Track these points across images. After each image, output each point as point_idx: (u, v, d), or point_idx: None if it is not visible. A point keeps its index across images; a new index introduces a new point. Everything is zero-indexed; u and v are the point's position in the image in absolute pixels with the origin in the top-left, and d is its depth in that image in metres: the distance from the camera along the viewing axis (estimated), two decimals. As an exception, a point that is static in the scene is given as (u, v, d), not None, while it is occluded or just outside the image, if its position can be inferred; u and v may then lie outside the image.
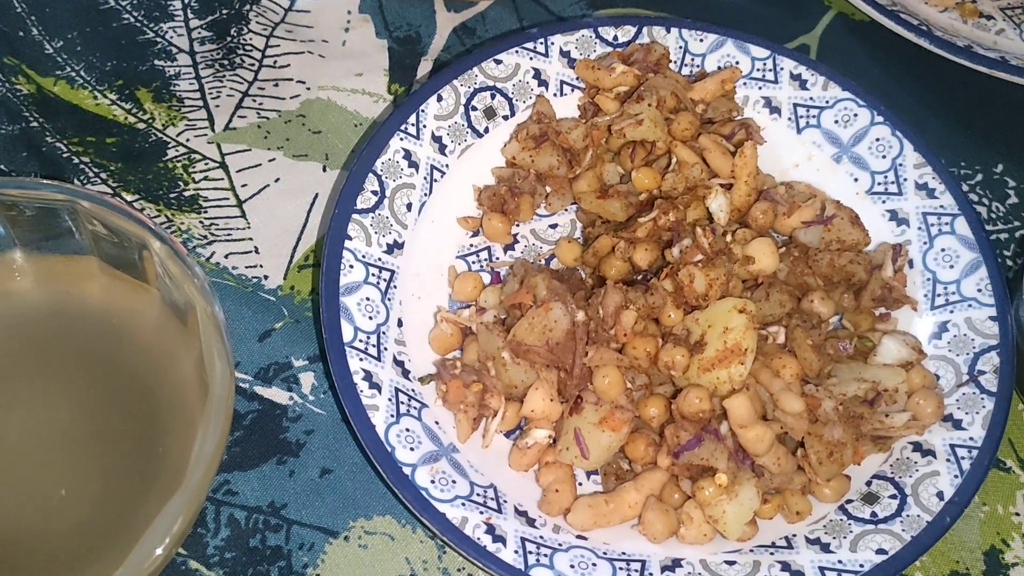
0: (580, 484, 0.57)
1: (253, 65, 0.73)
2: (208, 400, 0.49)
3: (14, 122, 0.68)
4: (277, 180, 0.68)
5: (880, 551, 0.52)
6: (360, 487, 0.58)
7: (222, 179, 0.68)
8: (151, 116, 0.70)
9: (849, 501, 0.56)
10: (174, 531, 0.46)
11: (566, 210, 0.67)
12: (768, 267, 0.59)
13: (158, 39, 0.74)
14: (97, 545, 0.50)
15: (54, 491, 0.53)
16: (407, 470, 0.53)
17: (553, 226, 0.67)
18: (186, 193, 0.67)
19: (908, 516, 0.54)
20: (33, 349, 0.57)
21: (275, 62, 0.73)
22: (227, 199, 0.67)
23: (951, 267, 0.62)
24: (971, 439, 0.56)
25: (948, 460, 0.55)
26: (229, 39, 0.74)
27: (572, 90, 0.69)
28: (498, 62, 0.67)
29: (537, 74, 0.68)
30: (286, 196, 0.68)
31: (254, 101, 0.71)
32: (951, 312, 0.61)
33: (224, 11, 0.75)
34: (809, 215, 0.63)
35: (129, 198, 0.66)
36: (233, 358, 0.50)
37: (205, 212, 0.67)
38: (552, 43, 0.68)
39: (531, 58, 0.68)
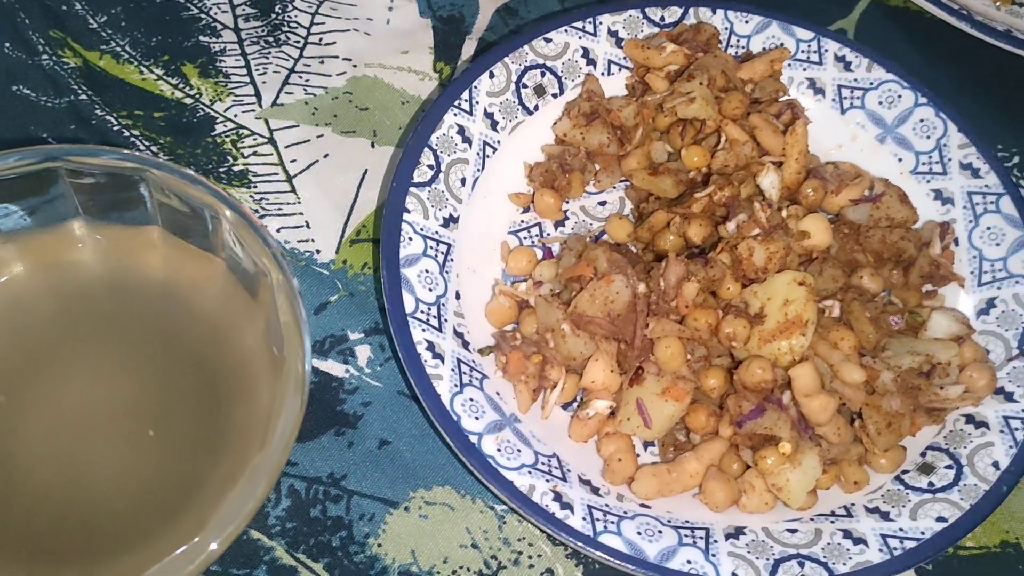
0: (638, 455, 0.58)
1: (298, 42, 0.73)
2: (284, 371, 0.49)
3: (61, 95, 0.68)
4: (326, 156, 0.68)
5: (940, 519, 0.53)
6: (419, 458, 0.58)
7: (271, 154, 0.68)
8: (198, 91, 0.70)
9: (905, 471, 0.57)
10: (257, 495, 0.46)
11: (615, 187, 0.68)
12: (822, 243, 0.60)
13: (202, 15, 0.74)
14: (164, 513, 0.50)
15: (116, 460, 0.53)
16: (474, 439, 0.54)
17: (602, 203, 0.67)
18: (235, 168, 0.67)
19: (965, 485, 0.55)
20: (92, 320, 0.56)
21: (320, 39, 0.73)
22: (276, 174, 0.67)
23: (997, 245, 0.63)
24: (1023, 411, 0.57)
25: (1002, 431, 0.56)
26: (274, 16, 0.74)
27: (619, 69, 0.70)
28: (548, 40, 0.68)
29: (586, 53, 0.69)
30: (336, 171, 0.68)
31: (300, 78, 0.71)
32: (998, 288, 0.62)
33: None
34: (857, 193, 0.64)
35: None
36: (308, 328, 0.50)
37: (255, 187, 0.67)
38: (600, 23, 0.69)
39: (580, 37, 0.68)
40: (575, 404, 0.59)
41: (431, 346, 0.56)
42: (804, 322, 0.55)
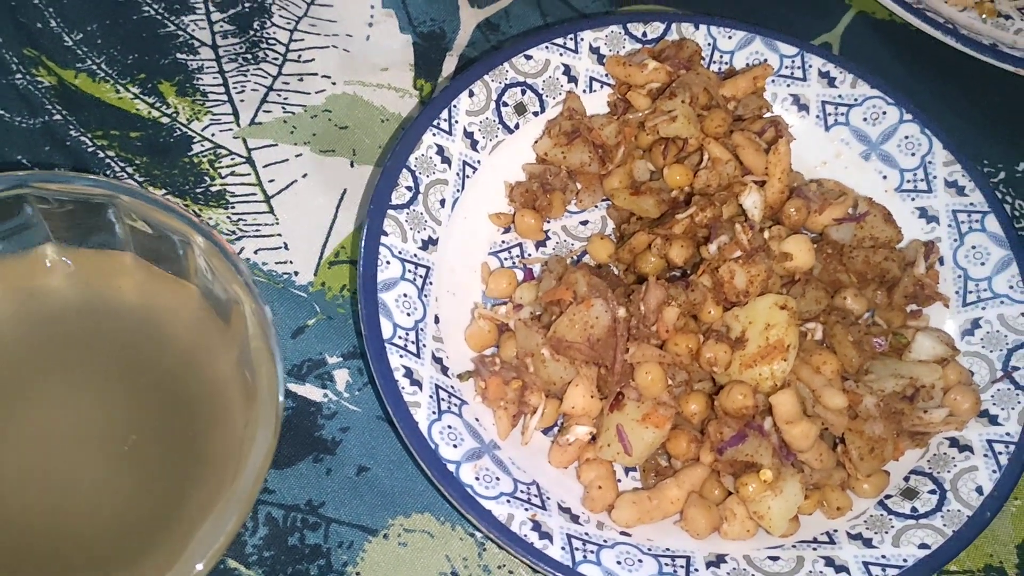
0: (619, 481, 0.57)
1: (277, 59, 0.72)
2: (258, 402, 0.48)
3: (36, 115, 0.67)
4: (304, 175, 0.68)
5: (923, 545, 0.53)
6: (398, 484, 0.58)
7: (249, 174, 0.67)
8: (175, 110, 0.69)
9: (888, 496, 0.56)
10: (228, 530, 0.46)
11: (596, 207, 0.67)
12: (804, 264, 0.59)
13: (179, 32, 0.73)
14: (139, 541, 0.50)
15: (89, 486, 0.52)
16: (452, 467, 0.53)
17: (584, 223, 0.67)
18: (213, 188, 0.66)
19: (948, 511, 0.54)
20: (64, 346, 0.56)
21: (299, 56, 0.72)
22: (254, 194, 0.67)
23: (982, 264, 0.63)
24: (1008, 434, 0.56)
25: (986, 455, 0.56)
26: (252, 32, 0.73)
27: (601, 86, 0.69)
28: (528, 58, 0.67)
29: (567, 70, 0.68)
30: (314, 192, 0.67)
31: (279, 95, 0.71)
32: (983, 309, 0.61)
33: (246, 4, 0.74)
34: (840, 212, 0.63)
35: (157, 193, 0.65)
36: (281, 356, 0.50)
37: (232, 208, 0.66)
38: (582, 39, 0.68)
39: (561, 54, 0.68)
40: (555, 429, 0.59)
41: (409, 372, 0.56)
42: (786, 347, 0.54)
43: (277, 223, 0.66)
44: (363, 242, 0.58)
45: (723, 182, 0.63)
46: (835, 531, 0.55)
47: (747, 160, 0.63)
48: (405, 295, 0.58)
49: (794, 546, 0.54)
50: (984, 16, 0.78)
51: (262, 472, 0.48)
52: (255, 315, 0.51)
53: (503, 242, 0.65)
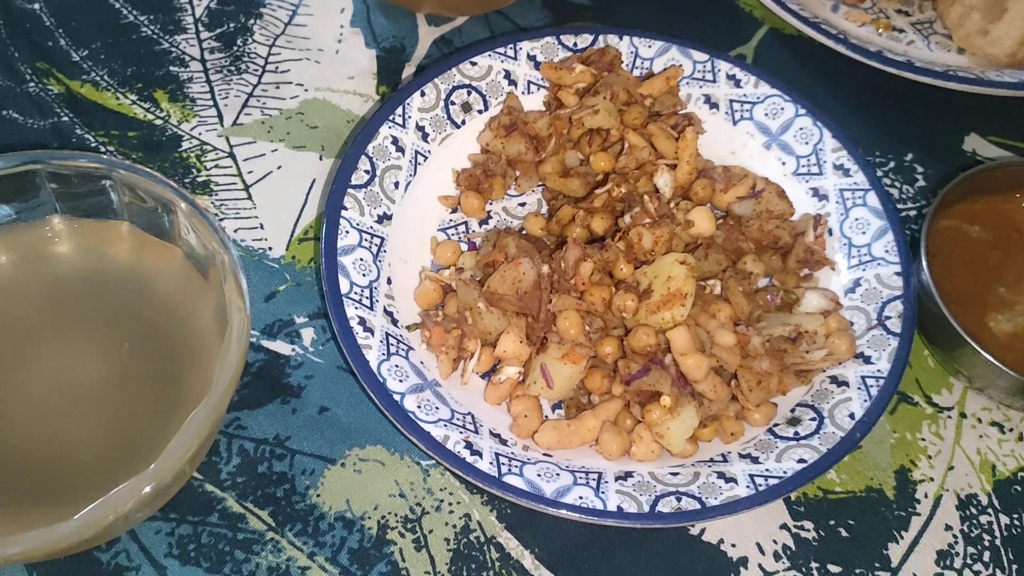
0: (546, 417, 0.66)
1: (257, 71, 0.83)
2: (229, 325, 0.57)
3: (46, 117, 0.78)
4: (279, 167, 0.78)
5: (801, 460, 0.62)
6: (354, 422, 0.66)
7: (231, 167, 0.77)
8: (167, 113, 0.79)
9: (776, 425, 0.65)
10: (192, 441, 0.54)
11: (533, 191, 0.77)
12: (706, 230, 0.69)
13: (172, 49, 0.83)
14: (130, 456, 0.58)
15: (88, 422, 0.61)
16: (397, 397, 0.62)
17: (522, 204, 0.76)
18: (199, 179, 0.76)
19: (825, 433, 0.63)
20: (67, 302, 0.65)
21: (276, 68, 0.83)
22: (235, 184, 0.76)
23: (863, 233, 0.72)
24: (878, 371, 0.65)
25: (859, 388, 0.65)
26: (235, 48, 0.84)
27: (538, 89, 0.79)
28: (473, 64, 0.77)
29: (507, 74, 0.78)
30: (287, 181, 0.77)
31: (258, 101, 0.81)
32: (863, 270, 0.71)
33: (231, 25, 0.85)
34: (743, 191, 0.73)
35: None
36: (249, 293, 0.59)
37: (216, 195, 0.76)
38: (520, 48, 0.79)
39: (502, 61, 0.78)
40: (491, 374, 0.68)
41: (362, 321, 0.65)
42: (684, 295, 0.64)
43: (255, 207, 0.75)
44: (326, 214, 0.68)
45: (639, 165, 0.73)
46: (728, 452, 0.64)
47: (660, 146, 0.73)
48: (361, 259, 0.68)
49: (692, 465, 0.63)
50: (880, 30, 0.89)
51: (234, 378, 0.56)
52: (228, 263, 0.60)
53: (450, 220, 0.75)
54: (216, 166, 0.77)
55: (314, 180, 0.77)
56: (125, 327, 0.64)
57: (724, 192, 0.73)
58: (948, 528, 0.65)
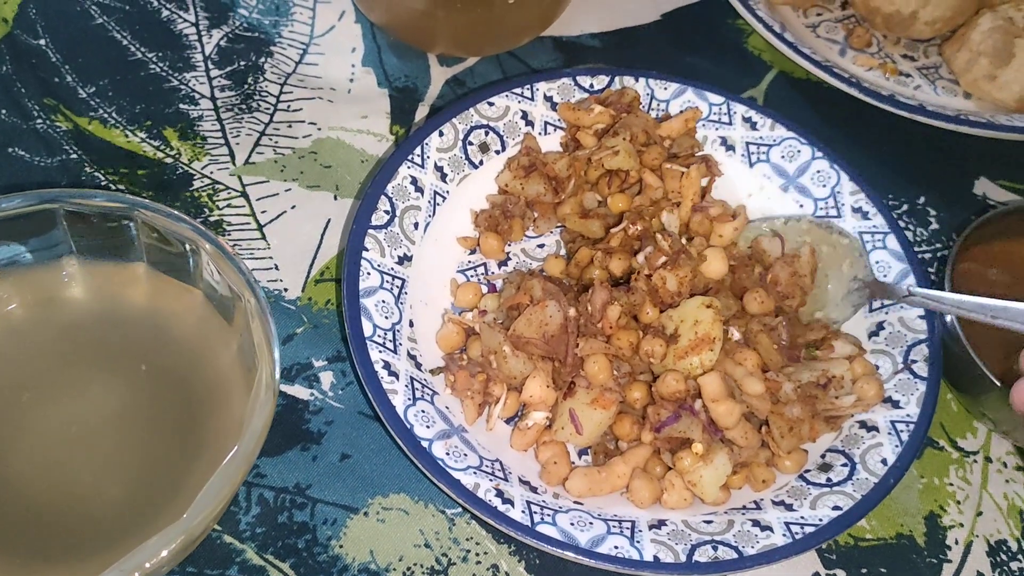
0: (573, 463, 0.65)
1: (269, 109, 0.82)
2: (258, 374, 0.56)
3: (54, 155, 0.76)
4: (293, 207, 0.76)
5: (836, 507, 0.61)
6: (376, 469, 0.65)
7: (244, 206, 0.76)
8: (177, 152, 0.78)
9: (807, 471, 0.64)
10: (224, 492, 0.52)
11: (551, 232, 0.76)
12: (717, 272, 0.68)
13: (182, 87, 0.82)
14: (150, 508, 0.56)
15: (106, 466, 0.59)
16: (425, 443, 0.60)
17: (541, 245, 0.76)
18: (211, 219, 0.75)
19: (858, 479, 0.62)
20: (82, 349, 0.63)
21: (288, 106, 0.82)
22: (248, 223, 0.75)
23: (885, 276, 0.72)
24: (908, 415, 0.65)
25: (890, 433, 0.64)
26: (246, 87, 0.83)
27: (554, 130, 0.79)
28: (491, 104, 0.77)
29: (524, 115, 0.78)
30: (302, 221, 0.76)
31: (270, 140, 0.80)
32: (886, 313, 0.71)
33: (242, 63, 0.84)
34: (741, 223, 0.72)
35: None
36: (277, 337, 0.57)
37: (229, 235, 0.74)
38: (537, 89, 0.78)
39: (519, 101, 0.78)
40: (517, 419, 0.66)
41: (387, 365, 0.63)
42: (712, 339, 0.63)
43: (269, 248, 0.74)
44: (347, 255, 0.67)
45: (653, 203, 0.72)
46: (761, 499, 0.63)
47: (669, 186, 0.73)
48: (383, 301, 0.67)
49: (726, 512, 0.62)
50: (887, 75, 0.90)
51: (262, 435, 0.55)
52: (254, 307, 0.58)
53: (469, 262, 0.74)
54: (228, 205, 0.76)
55: (329, 220, 0.76)
56: (142, 373, 0.62)
57: (720, 222, 0.72)
58: (980, 575, 0.64)
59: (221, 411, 0.60)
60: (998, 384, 0.65)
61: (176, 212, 0.61)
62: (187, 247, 0.61)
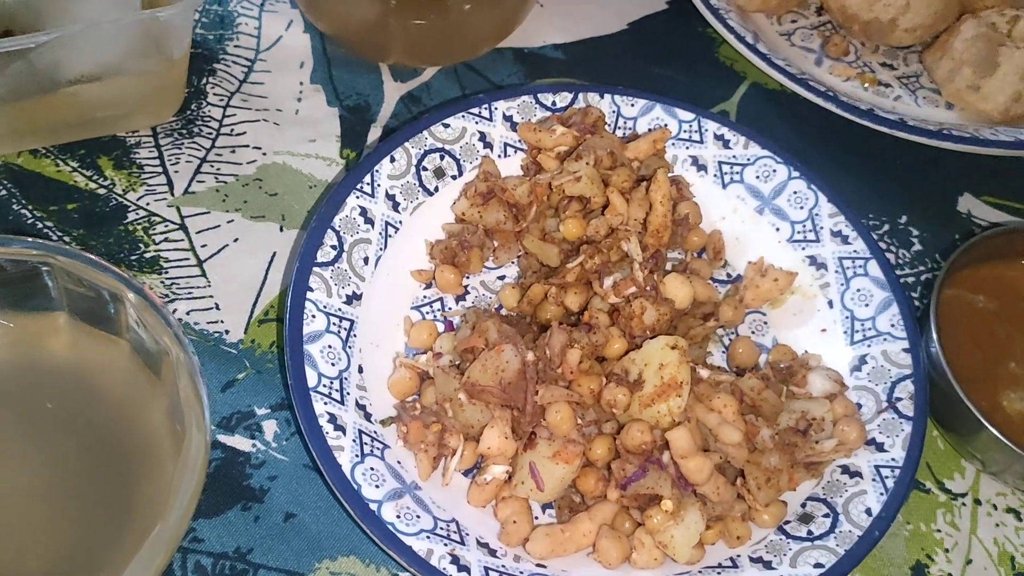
0: (536, 518, 0.60)
1: (211, 134, 0.76)
2: (185, 443, 0.51)
3: (-24, 189, 0.71)
4: (236, 240, 0.71)
5: (818, 565, 0.57)
6: (324, 529, 0.60)
7: (182, 240, 0.71)
8: (111, 182, 0.73)
9: (787, 522, 0.60)
10: (156, 564, 0.48)
11: (512, 262, 0.71)
12: (683, 302, 0.64)
13: (117, 110, 0.77)
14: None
15: (26, 538, 0.54)
16: (373, 506, 0.56)
17: (501, 277, 0.71)
18: (147, 254, 0.70)
19: (841, 532, 0.58)
20: (1, 407, 0.58)
21: (232, 130, 0.77)
22: (187, 259, 0.70)
23: (866, 305, 0.68)
24: (893, 460, 0.61)
25: (874, 480, 0.60)
26: (189, 112, 0.77)
27: (515, 151, 0.74)
28: (446, 126, 0.72)
29: (482, 137, 0.73)
30: (245, 255, 0.71)
31: (212, 167, 0.75)
32: (868, 346, 0.66)
33: (186, 89, 0.78)
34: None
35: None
36: (208, 401, 0.53)
37: (166, 272, 0.69)
38: (496, 108, 0.73)
39: (476, 122, 0.73)
40: (475, 471, 0.62)
41: (333, 418, 0.59)
42: (679, 384, 0.58)
43: (209, 285, 0.69)
44: (290, 297, 0.62)
45: (609, 232, 0.67)
46: (738, 556, 0.58)
47: (633, 213, 0.68)
48: (330, 346, 0.62)
49: (700, 572, 0.57)
50: (866, 85, 0.85)
51: (188, 512, 0.50)
52: (184, 363, 0.54)
53: (425, 297, 0.69)
54: (166, 240, 0.71)
55: (275, 253, 0.71)
56: (67, 429, 0.57)
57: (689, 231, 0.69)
58: (971, 630, 0.60)
59: (152, 474, 0.56)
60: (987, 425, 0.61)
61: (95, 258, 0.56)
62: (108, 296, 0.56)
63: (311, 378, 0.59)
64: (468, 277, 0.70)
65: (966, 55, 0.81)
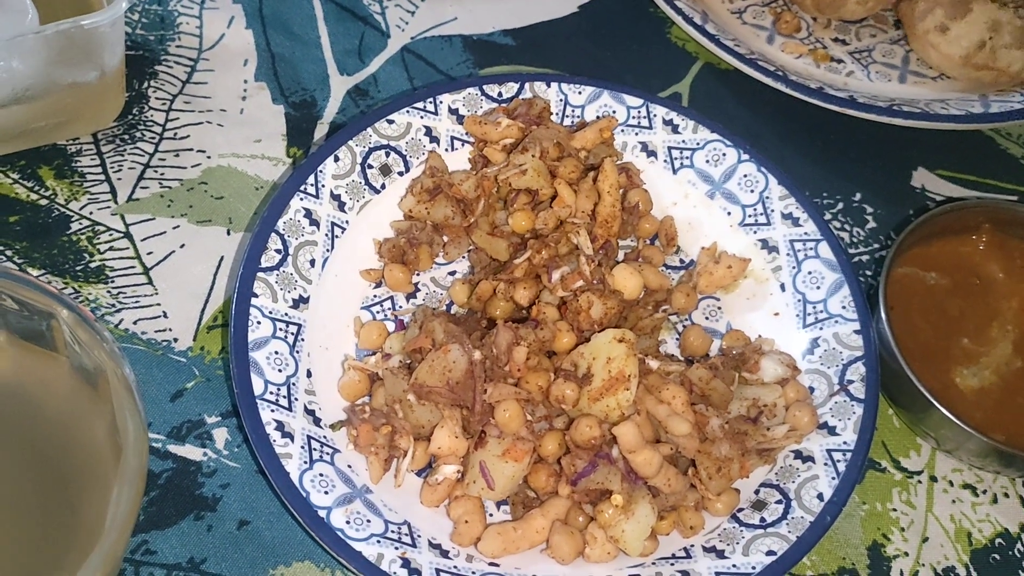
0: (491, 515, 0.60)
1: (153, 138, 0.75)
2: (122, 460, 0.51)
3: (-86, 205, 0.69)
4: (182, 246, 0.70)
5: (770, 552, 0.57)
6: (278, 536, 0.60)
7: (127, 248, 0.70)
8: (53, 192, 0.72)
9: (740, 510, 0.60)
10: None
11: (463, 257, 0.71)
12: (632, 293, 0.64)
13: (57, 117, 0.75)
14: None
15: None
16: (322, 513, 0.55)
17: (452, 273, 0.70)
18: (92, 265, 0.69)
19: (793, 518, 0.58)
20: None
21: (175, 134, 0.76)
22: (133, 267, 0.69)
23: (818, 288, 0.67)
24: (845, 443, 0.61)
25: (826, 464, 0.60)
26: (131, 117, 0.76)
27: (462, 144, 0.73)
28: (391, 122, 0.71)
29: (428, 131, 0.72)
30: (192, 261, 0.70)
31: (156, 172, 0.73)
32: (820, 329, 0.66)
33: (125, 94, 0.77)
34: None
35: (35, 273, 0.67)
36: (145, 417, 0.52)
37: (112, 282, 0.68)
38: (441, 101, 0.73)
39: (422, 116, 0.72)
40: (428, 471, 0.61)
41: (280, 426, 0.58)
42: (627, 377, 0.58)
43: (156, 293, 0.68)
44: (233, 305, 0.61)
45: (557, 225, 0.67)
46: (692, 546, 0.58)
47: (581, 204, 0.67)
48: (276, 352, 0.61)
49: (653, 563, 0.57)
50: (818, 62, 0.85)
51: (128, 523, 0.50)
52: (119, 379, 0.53)
53: (375, 296, 0.68)
54: (111, 249, 0.70)
55: (222, 258, 0.70)
56: (8, 448, 0.57)
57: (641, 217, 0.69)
58: (927, 608, 0.60)
59: (96, 490, 0.55)
60: (936, 404, 0.61)
61: (25, 275, 0.55)
62: (41, 314, 0.55)
63: (257, 386, 0.59)
64: (418, 274, 0.70)
65: (943, -2, 0.80)
